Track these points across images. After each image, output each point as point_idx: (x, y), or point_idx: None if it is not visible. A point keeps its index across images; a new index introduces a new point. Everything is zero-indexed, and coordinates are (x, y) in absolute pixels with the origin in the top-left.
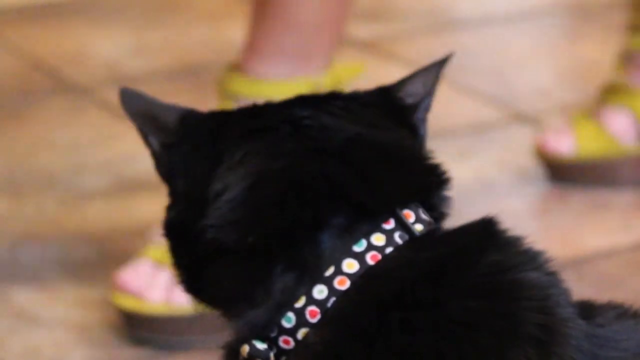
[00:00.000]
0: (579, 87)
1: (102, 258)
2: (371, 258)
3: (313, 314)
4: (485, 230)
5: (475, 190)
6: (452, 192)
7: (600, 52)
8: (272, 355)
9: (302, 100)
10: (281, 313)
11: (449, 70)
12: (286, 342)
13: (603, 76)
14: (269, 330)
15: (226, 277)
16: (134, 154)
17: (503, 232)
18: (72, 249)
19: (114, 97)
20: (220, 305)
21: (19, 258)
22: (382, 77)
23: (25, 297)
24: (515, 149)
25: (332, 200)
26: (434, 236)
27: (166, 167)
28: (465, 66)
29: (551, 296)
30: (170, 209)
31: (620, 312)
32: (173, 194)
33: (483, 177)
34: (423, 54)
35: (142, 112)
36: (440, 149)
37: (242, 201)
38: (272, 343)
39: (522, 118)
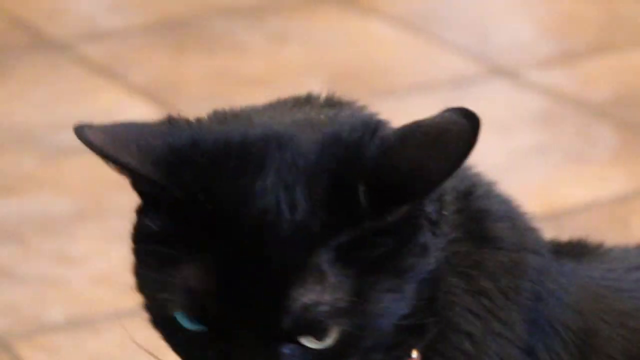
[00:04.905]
0: (559, 40)
1: (79, 214)
2: None
3: None
4: None
5: None
6: None
7: (580, 5)
8: None
9: None
10: None
11: (428, 24)
12: None
13: (583, 29)
14: None
15: None
16: (111, 110)
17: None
18: (50, 205)
19: (91, 53)
20: None
21: None
22: (362, 34)
23: (3, 253)
24: (494, 103)
25: None
26: None
27: None
28: (445, 20)
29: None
30: None
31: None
32: None
33: None
34: (404, 9)
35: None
36: (420, 104)
37: None
38: None
39: (502, 72)
